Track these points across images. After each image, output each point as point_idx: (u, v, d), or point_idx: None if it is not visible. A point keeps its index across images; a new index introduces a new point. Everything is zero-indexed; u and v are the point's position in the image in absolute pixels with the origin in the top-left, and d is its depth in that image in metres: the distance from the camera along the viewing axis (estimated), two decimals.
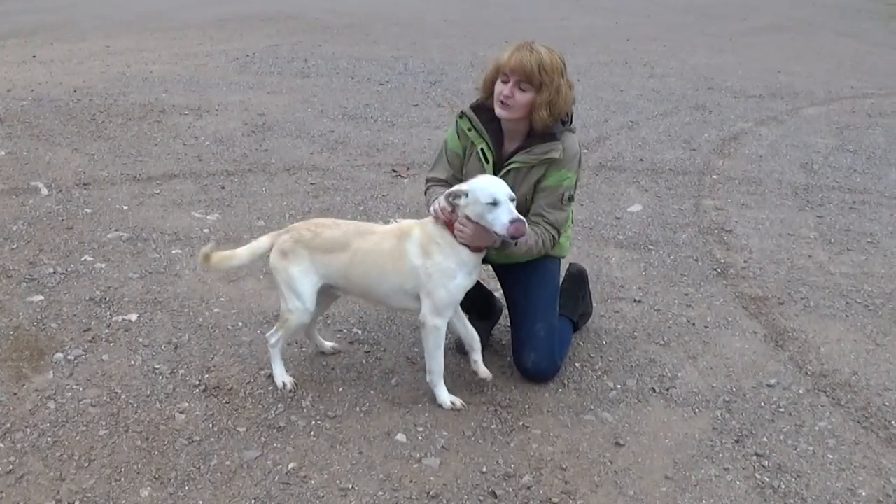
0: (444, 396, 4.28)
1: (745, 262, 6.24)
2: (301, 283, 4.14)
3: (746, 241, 6.63)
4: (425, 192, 4.46)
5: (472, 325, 4.44)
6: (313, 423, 4.15)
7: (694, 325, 5.26)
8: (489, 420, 4.22)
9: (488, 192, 3.86)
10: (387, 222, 4.52)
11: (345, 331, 5.00)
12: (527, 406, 4.34)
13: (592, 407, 4.36)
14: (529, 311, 4.43)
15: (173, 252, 5.98)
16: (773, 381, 4.66)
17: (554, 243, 4.36)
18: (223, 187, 7.37)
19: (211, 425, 4.12)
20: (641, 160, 8.67)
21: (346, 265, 4.13)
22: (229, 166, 7.95)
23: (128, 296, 5.34)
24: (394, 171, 7.93)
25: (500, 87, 4.11)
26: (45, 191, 7.12)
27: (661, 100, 11.30)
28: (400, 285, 4.09)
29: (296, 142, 8.81)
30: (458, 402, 4.26)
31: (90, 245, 6.05)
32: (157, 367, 4.58)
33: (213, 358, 4.68)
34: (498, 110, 4.14)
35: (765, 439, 4.18)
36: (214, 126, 9.18)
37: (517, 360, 4.54)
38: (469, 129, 4.27)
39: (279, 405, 4.27)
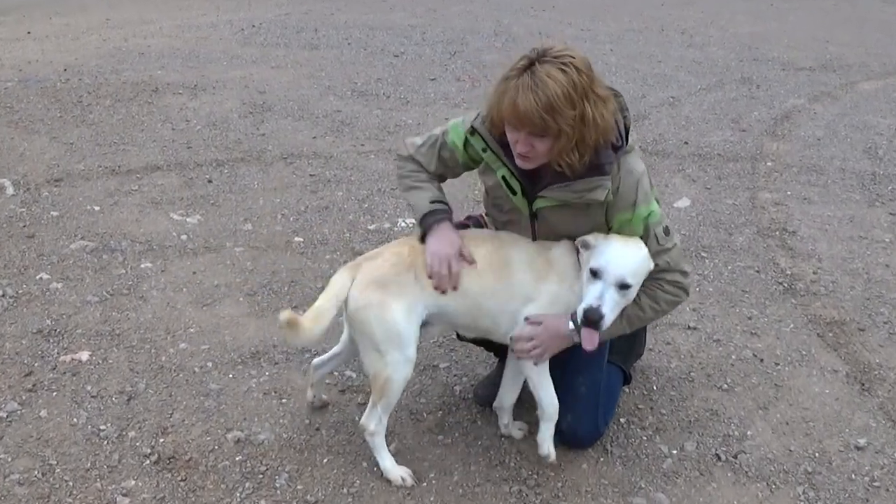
0: (550, 442, 3.47)
1: (814, 273, 5.30)
2: (406, 325, 3.23)
3: (813, 246, 5.68)
4: (401, 171, 3.55)
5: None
6: None
7: (762, 361, 4.33)
8: None
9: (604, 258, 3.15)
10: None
11: (335, 374, 4.08)
12: (559, 484, 3.46)
13: (643, 484, 3.47)
14: (570, 360, 3.50)
15: (142, 267, 5.11)
16: (862, 442, 3.77)
17: (683, 293, 3.40)
18: (210, 181, 6.49)
19: None
20: (686, 143, 7.72)
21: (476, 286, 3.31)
22: (220, 154, 7.06)
23: (82, 326, 4.46)
24: None
25: (512, 135, 3.15)
26: (10, 190, 6.27)
27: (704, 72, 10.31)
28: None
29: (297, 124, 7.91)
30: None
31: (49, 259, 5.19)
32: (102, 427, 3.73)
33: (171, 414, 3.81)
34: (518, 161, 3.19)
35: None
36: (209, 107, 8.29)
37: None
38: (484, 150, 3.31)
39: (247, 484, 3.43)
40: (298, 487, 3.39)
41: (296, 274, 5.05)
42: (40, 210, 5.90)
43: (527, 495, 3.38)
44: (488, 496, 3.38)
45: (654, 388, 4.11)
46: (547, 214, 3.31)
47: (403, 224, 5.83)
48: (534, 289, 3.29)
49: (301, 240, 5.54)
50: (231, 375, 4.09)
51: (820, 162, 7.35)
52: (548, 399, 3.39)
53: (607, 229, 3.25)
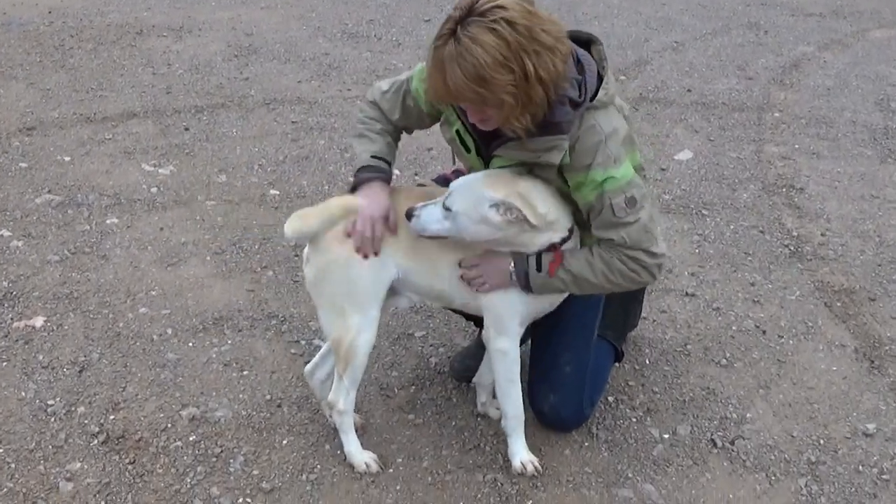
0: (522, 454, 3.21)
1: (822, 235, 4.97)
2: (372, 283, 2.97)
3: (822, 206, 5.35)
4: (360, 116, 3.23)
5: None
6: (241, 500, 2.97)
7: (764, 333, 4.03)
8: (485, 497, 3.06)
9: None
10: None
11: (303, 342, 3.79)
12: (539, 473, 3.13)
13: (630, 473, 3.19)
14: (555, 336, 3.22)
15: (107, 223, 4.79)
16: (871, 427, 3.49)
17: (644, 272, 2.96)
18: (187, 128, 6.15)
19: (103, 503, 2.95)
20: (689, 91, 7.34)
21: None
22: (200, 100, 6.70)
23: (39, 289, 4.18)
24: None
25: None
26: None
27: (709, 16, 9.84)
28: None
29: (282, 67, 7.53)
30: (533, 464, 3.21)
31: (13, 214, 4.88)
32: (51, 403, 3.46)
33: (124, 387, 3.54)
34: (477, 124, 2.84)
35: None
36: (193, 50, 7.90)
37: (531, 399, 3.36)
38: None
39: (199, 468, 3.16)
40: (254, 473, 3.12)
41: (268, 231, 4.74)
42: (8, 161, 5.57)
43: (502, 485, 3.11)
44: (460, 485, 3.11)
45: (647, 361, 3.83)
46: None
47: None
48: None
49: (277, 193, 5.22)
50: (191, 344, 3.81)
51: (829, 114, 6.97)
52: (512, 409, 3.11)
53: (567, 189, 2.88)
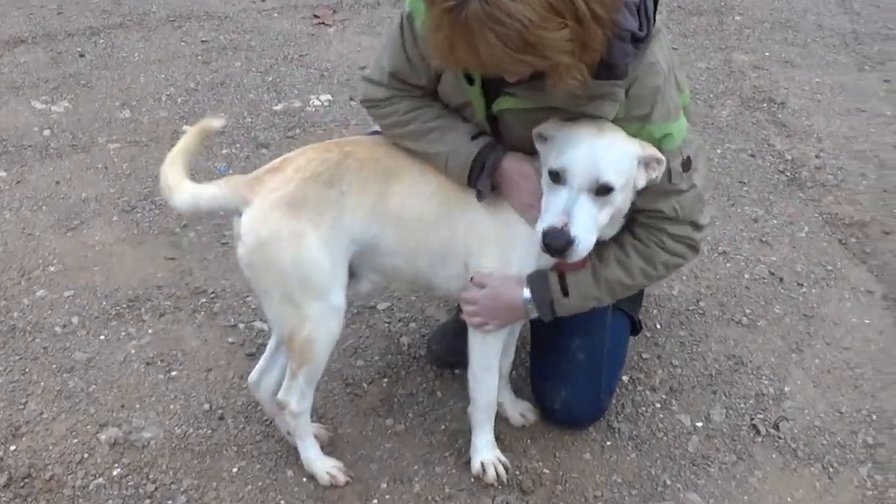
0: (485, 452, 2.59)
1: (816, 157, 4.44)
2: (330, 263, 2.29)
3: (809, 122, 4.80)
4: (387, 121, 2.39)
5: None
6: None
7: (781, 280, 3.50)
8: None
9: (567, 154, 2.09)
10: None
11: (241, 326, 3.13)
12: (558, 488, 2.58)
13: (668, 479, 2.62)
14: (564, 317, 2.51)
15: None
16: None
17: (690, 252, 2.41)
18: (82, 54, 5.29)
19: None
20: None
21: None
22: (95, 20, 5.81)
23: None
24: (315, 17, 5.97)
25: None
26: None
27: None
28: None
29: None
30: None
31: None
32: None
33: (25, 403, 2.83)
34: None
35: None
36: None
37: (539, 396, 2.77)
38: None
39: None
40: None
41: None
42: None
43: None
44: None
45: (658, 326, 3.25)
46: (513, 121, 2.28)
47: (318, 102, 4.77)
48: (489, 220, 2.33)
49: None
50: (103, 337, 3.10)
51: (792, 16, 6.40)
52: (484, 398, 2.52)
53: None
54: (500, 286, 2.31)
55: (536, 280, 2.30)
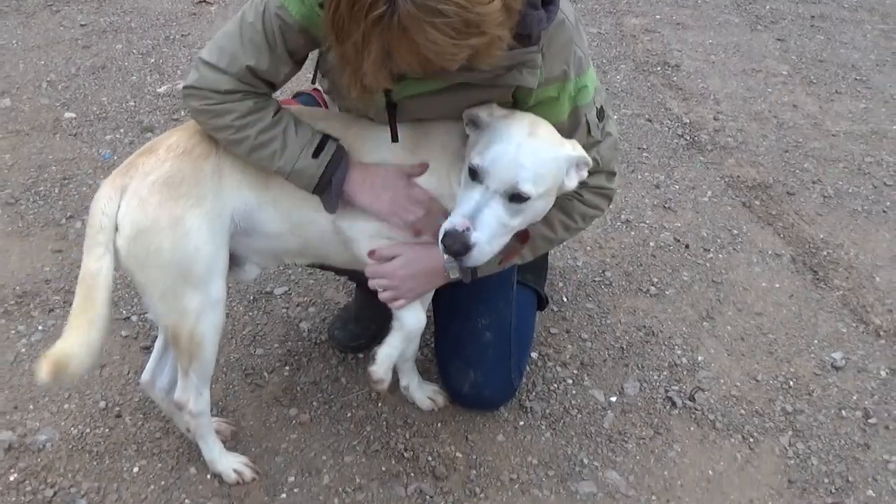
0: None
1: (715, 119, 4.39)
2: (209, 249, 2.09)
3: (704, 84, 4.75)
4: (220, 121, 2.09)
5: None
6: None
7: (687, 247, 3.42)
8: None
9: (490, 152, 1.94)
10: None
11: (134, 319, 2.91)
12: (473, 473, 2.45)
13: (585, 458, 2.51)
14: (465, 294, 2.42)
15: None
16: (837, 357, 2.97)
17: (606, 202, 2.37)
18: None
19: None
20: None
21: None
22: None
23: None
24: None
25: None
26: None
27: None
28: None
29: None
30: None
31: None
32: None
33: None
34: None
35: (871, 492, 2.47)
36: None
37: (446, 379, 2.64)
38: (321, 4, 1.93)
39: None
40: None
41: (69, 166, 3.74)
42: None
43: (431, 497, 2.39)
44: (377, 494, 2.32)
45: (565, 299, 3.13)
46: (415, 106, 2.11)
47: None
48: None
49: (73, 115, 4.18)
50: None
51: None
52: (410, 315, 2.27)
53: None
54: (414, 253, 2.16)
55: None
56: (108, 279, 2.03)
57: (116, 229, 2.04)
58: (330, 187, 2.07)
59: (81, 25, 5.22)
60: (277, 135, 2.05)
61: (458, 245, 1.90)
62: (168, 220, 2.02)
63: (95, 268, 2.02)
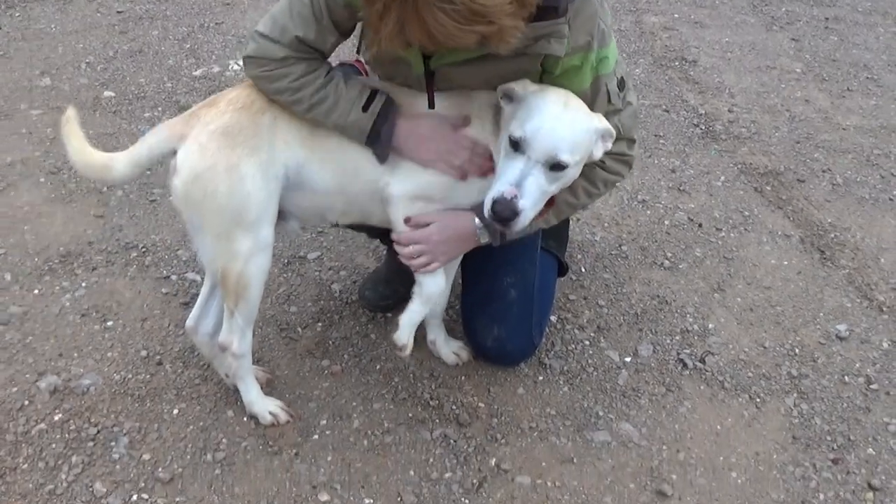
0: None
1: (729, 111, 4.53)
2: (262, 196, 2.24)
3: (720, 78, 4.90)
4: (279, 84, 2.27)
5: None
6: (134, 497, 2.30)
7: (700, 226, 3.57)
8: (439, 459, 2.46)
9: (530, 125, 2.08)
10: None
11: (174, 278, 3.09)
12: (494, 421, 2.59)
13: (600, 411, 2.65)
14: (493, 255, 2.59)
15: None
16: (842, 329, 3.11)
17: (626, 168, 2.51)
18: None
19: None
20: None
21: None
22: None
23: None
24: None
25: None
26: None
27: None
28: None
29: None
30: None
31: None
32: None
33: None
34: None
35: (871, 451, 2.61)
36: None
37: (471, 335, 2.79)
38: None
39: (74, 458, 2.44)
40: (145, 458, 2.43)
41: (109, 140, 3.91)
42: None
43: (455, 442, 2.53)
44: (404, 447, 2.52)
45: (583, 269, 3.29)
46: (452, 73, 2.27)
47: (237, 67, 4.72)
48: None
49: (112, 94, 4.36)
50: (37, 291, 3.02)
51: None
52: (431, 280, 2.43)
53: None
54: (448, 219, 2.32)
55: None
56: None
57: (175, 171, 2.21)
58: (379, 138, 2.23)
59: (118, 12, 5.41)
60: (330, 93, 2.22)
61: (507, 212, 2.06)
62: (225, 165, 2.18)
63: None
